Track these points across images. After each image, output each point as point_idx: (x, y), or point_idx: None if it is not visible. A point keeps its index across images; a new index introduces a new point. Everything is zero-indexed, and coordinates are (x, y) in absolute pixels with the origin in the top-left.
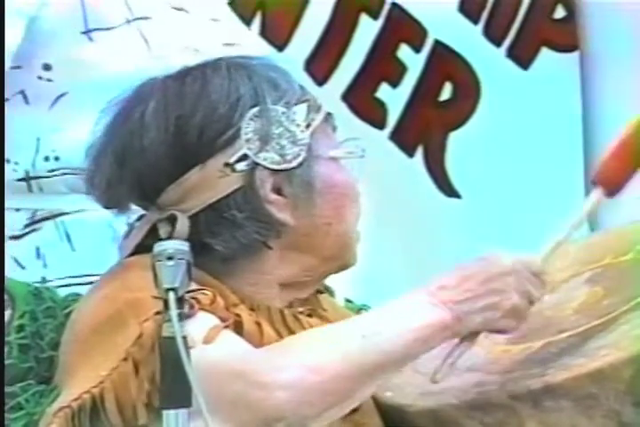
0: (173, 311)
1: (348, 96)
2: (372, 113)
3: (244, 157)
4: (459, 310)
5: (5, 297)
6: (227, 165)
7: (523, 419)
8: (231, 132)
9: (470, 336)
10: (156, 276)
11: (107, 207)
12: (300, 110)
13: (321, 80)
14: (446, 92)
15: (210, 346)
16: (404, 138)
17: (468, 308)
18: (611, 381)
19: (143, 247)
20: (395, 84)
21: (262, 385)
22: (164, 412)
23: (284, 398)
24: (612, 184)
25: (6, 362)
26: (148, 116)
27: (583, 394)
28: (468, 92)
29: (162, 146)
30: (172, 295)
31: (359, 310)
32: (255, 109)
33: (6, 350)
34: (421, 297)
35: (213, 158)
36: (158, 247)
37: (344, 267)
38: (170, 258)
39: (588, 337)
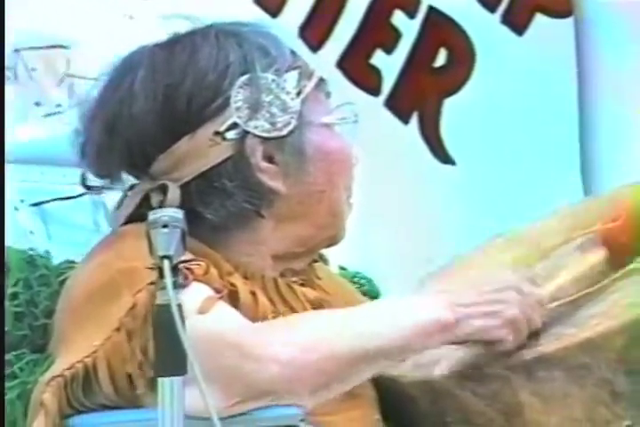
0: (168, 279)
1: (342, 63)
2: (366, 80)
3: (234, 126)
4: (460, 313)
5: None
6: (217, 133)
7: (516, 389)
8: (220, 101)
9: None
10: (150, 243)
11: (98, 176)
12: (291, 77)
13: (315, 47)
14: (441, 59)
15: (204, 316)
16: (399, 104)
17: (470, 311)
18: (602, 350)
19: (136, 217)
20: (389, 50)
21: (256, 358)
22: (159, 380)
23: (277, 373)
24: (616, 249)
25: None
26: (136, 84)
27: (575, 364)
28: (463, 58)
29: (151, 114)
30: (166, 263)
31: (353, 277)
32: (245, 77)
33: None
34: (425, 297)
35: (203, 127)
36: (153, 215)
37: (334, 239)
38: (165, 226)
39: (580, 306)
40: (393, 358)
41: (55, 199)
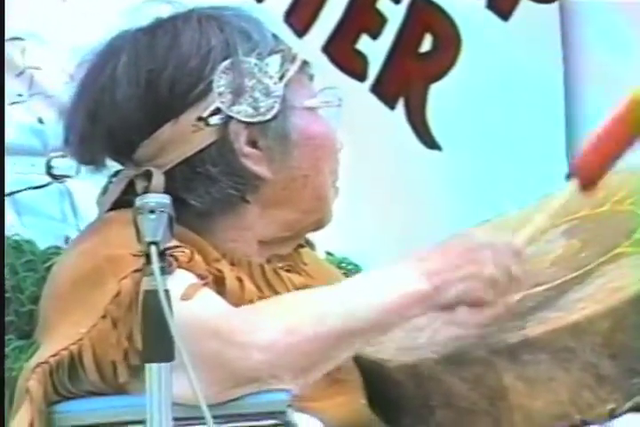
0: (155, 265)
1: (328, 48)
2: (352, 65)
3: (217, 111)
4: (437, 281)
5: None
6: (200, 119)
7: (500, 373)
8: (203, 86)
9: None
10: (137, 229)
11: (82, 163)
12: (274, 61)
13: (301, 32)
14: (426, 44)
15: (188, 303)
16: (385, 90)
17: (446, 278)
18: (588, 334)
19: (121, 203)
20: (375, 35)
21: (239, 345)
22: (147, 366)
23: (260, 359)
24: (588, 178)
25: None
26: (119, 70)
27: (560, 347)
28: (449, 43)
29: (133, 101)
30: (153, 249)
31: (340, 262)
32: (227, 62)
33: None
34: (400, 269)
35: (186, 113)
36: (140, 201)
37: (320, 223)
38: (152, 211)
39: (565, 290)
40: (375, 335)
41: (26, 189)
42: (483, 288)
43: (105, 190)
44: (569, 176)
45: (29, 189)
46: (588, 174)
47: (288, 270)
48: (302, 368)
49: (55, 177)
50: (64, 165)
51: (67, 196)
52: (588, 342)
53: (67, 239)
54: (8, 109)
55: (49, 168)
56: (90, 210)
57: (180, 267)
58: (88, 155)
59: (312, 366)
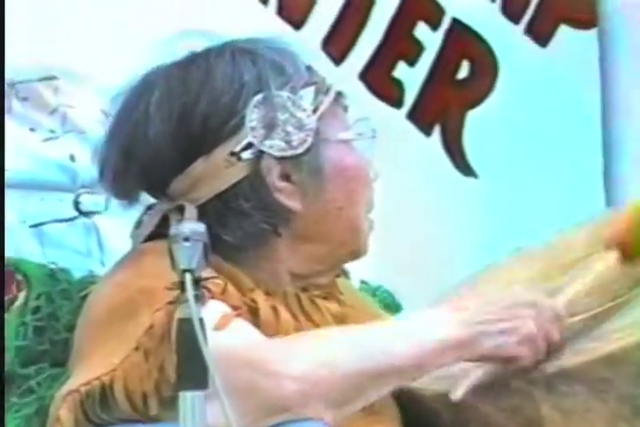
0: (190, 293)
1: (365, 75)
2: (389, 92)
3: (250, 146)
4: (475, 331)
5: (19, 278)
6: (232, 154)
7: (537, 403)
8: (235, 121)
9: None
10: (172, 257)
11: (116, 198)
12: (307, 94)
13: (338, 59)
14: (464, 71)
15: (220, 333)
16: (422, 117)
17: (485, 329)
18: (624, 364)
19: (155, 237)
20: (412, 62)
21: (271, 374)
22: (180, 394)
23: (292, 389)
24: (628, 250)
25: (21, 343)
26: (152, 105)
27: (597, 378)
28: (486, 70)
29: (166, 136)
30: (188, 276)
31: (375, 291)
32: (259, 96)
33: (22, 331)
34: (440, 315)
35: (218, 148)
36: (175, 229)
37: (356, 254)
38: (186, 239)
39: (601, 320)
40: (407, 377)
41: (51, 221)
42: (518, 344)
43: (139, 224)
44: (609, 247)
45: (55, 221)
46: (630, 247)
47: (325, 298)
48: (335, 402)
49: (83, 212)
50: (92, 200)
51: (93, 231)
52: (625, 373)
53: (91, 273)
54: (41, 146)
55: (77, 204)
56: (117, 246)
57: (212, 298)
58: (122, 190)
59: (345, 400)
